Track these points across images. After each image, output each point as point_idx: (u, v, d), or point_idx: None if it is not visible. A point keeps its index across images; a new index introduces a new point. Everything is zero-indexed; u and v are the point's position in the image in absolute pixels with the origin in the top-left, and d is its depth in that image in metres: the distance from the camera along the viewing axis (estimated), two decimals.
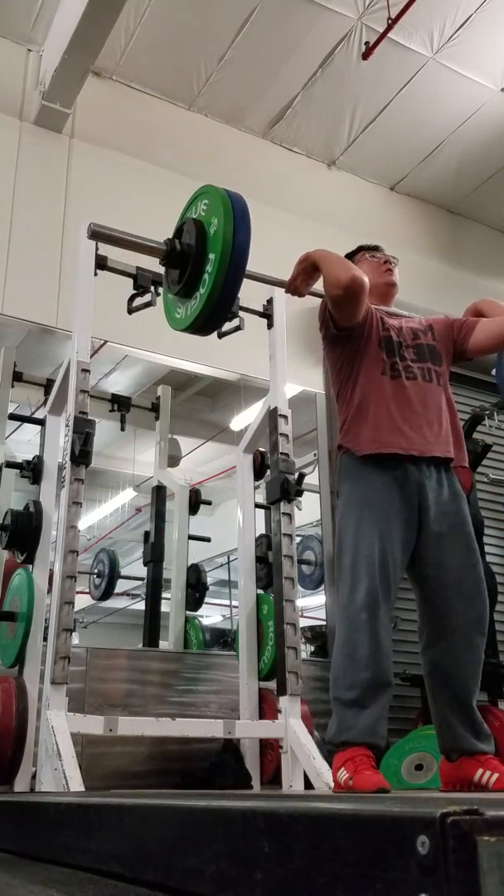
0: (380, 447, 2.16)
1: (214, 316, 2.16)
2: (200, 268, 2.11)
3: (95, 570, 4.88)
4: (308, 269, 2.32)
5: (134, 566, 5.07)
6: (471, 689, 2.08)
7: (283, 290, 2.47)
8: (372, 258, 2.51)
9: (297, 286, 2.36)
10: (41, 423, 3.28)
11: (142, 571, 4.63)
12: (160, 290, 2.46)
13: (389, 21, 4.12)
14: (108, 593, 4.83)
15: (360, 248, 2.57)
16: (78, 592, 2.54)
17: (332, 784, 2.04)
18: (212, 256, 2.07)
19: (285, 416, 3.11)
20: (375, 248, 2.57)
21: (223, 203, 2.07)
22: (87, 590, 5.02)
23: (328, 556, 4.37)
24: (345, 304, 2.20)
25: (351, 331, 2.29)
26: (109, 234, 2.32)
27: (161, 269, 2.37)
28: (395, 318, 2.43)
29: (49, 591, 2.72)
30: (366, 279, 2.18)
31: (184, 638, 4.18)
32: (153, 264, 2.39)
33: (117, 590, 5.06)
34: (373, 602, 2.02)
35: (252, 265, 2.18)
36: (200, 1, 4.25)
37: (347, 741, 1.96)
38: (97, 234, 2.30)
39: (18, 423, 4.22)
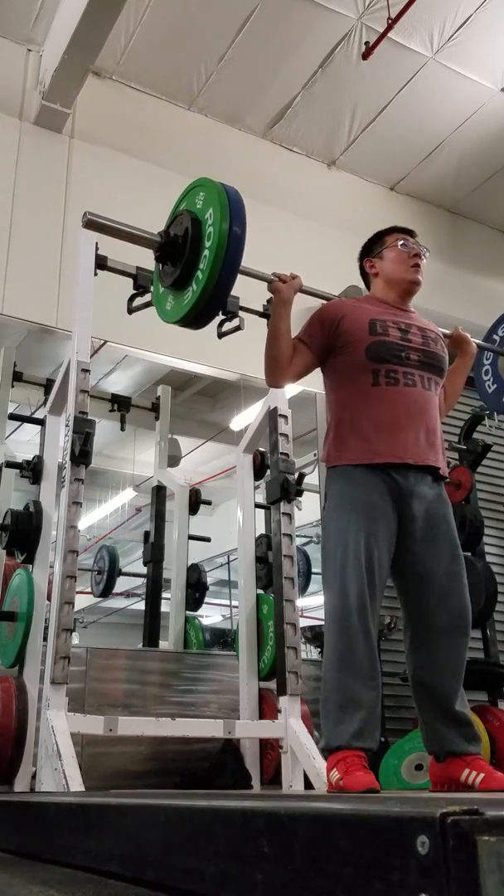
0: (372, 458, 2.13)
1: (207, 310, 2.15)
2: (195, 261, 2.11)
3: (96, 568, 4.88)
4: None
5: (134, 566, 5.07)
6: (453, 693, 2.07)
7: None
8: (403, 246, 2.36)
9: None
10: (41, 423, 3.28)
11: (142, 571, 4.63)
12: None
13: (389, 21, 4.11)
14: (108, 590, 4.84)
15: (395, 230, 2.42)
16: (78, 592, 2.54)
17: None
18: (207, 250, 2.07)
19: (285, 416, 3.11)
20: (410, 234, 2.40)
21: (219, 196, 2.07)
22: (89, 588, 5.02)
23: None
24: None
25: (325, 353, 2.27)
26: (105, 224, 2.32)
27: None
28: (405, 314, 2.34)
29: (49, 591, 2.72)
30: (282, 378, 2.29)
31: (184, 638, 4.17)
32: (152, 261, 2.38)
33: (118, 589, 5.06)
34: (362, 604, 2.01)
35: (252, 264, 2.18)
36: (200, 1, 4.25)
37: (341, 746, 1.96)
38: (92, 224, 2.29)
39: (18, 423, 4.22)
